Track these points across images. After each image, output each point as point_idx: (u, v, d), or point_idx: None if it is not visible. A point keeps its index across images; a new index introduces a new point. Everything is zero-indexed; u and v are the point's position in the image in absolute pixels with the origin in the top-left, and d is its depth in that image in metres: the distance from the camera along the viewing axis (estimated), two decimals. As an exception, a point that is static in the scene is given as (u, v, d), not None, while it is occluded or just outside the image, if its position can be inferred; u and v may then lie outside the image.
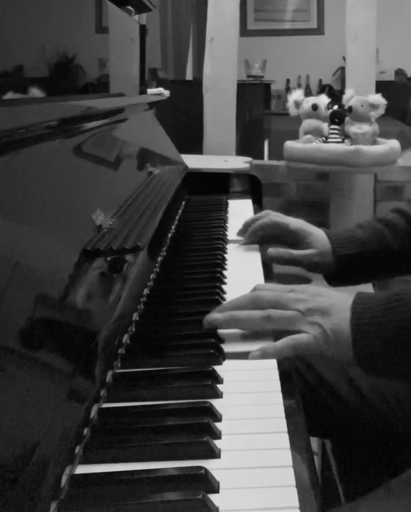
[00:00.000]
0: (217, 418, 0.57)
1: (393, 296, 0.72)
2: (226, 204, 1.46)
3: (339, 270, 1.04)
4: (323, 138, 2.57)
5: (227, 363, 0.69)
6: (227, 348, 0.72)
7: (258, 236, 1.13)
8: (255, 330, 0.75)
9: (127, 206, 0.90)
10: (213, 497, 0.47)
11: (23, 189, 0.62)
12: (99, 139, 0.98)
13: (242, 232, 1.14)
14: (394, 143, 2.60)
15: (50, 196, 0.69)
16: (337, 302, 0.73)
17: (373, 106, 2.53)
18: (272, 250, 1.05)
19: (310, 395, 0.92)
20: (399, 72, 6.10)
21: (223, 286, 0.91)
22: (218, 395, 0.61)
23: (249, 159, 2.60)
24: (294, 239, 1.07)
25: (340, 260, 1.04)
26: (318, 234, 1.06)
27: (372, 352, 0.70)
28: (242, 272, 1.00)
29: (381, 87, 2.92)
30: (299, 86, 6.19)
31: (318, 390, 0.93)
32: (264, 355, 0.70)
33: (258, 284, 0.81)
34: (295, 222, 1.09)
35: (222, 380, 0.65)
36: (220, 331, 0.75)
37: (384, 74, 5.46)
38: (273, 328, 0.74)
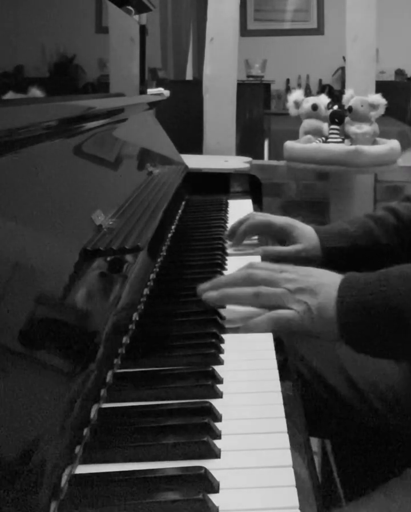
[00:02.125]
0: (217, 417, 0.57)
1: (378, 275, 0.75)
2: (226, 204, 1.46)
3: (326, 264, 1.04)
4: (323, 138, 2.57)
5: (227, 363, 0.69)
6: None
7: (248, 236, 1.13)
8: (245, 305, 0.79)
9: (127, 206, 0.90)
10: (213, 497, 0.47)
11: (23, 189, 0.62)
12: (99, 139, 0.98)
13: (230, 236, 1.14)
14: (394, 143, 2.60)
15: (50, 196, 0.69)
16: (325, 282, 0.76)
17: (373, 106, 2.53)
18: (259, 249, 1.07)
19: (310, 395, 0.92)
20: (399, 72, 6.10)
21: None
22: (218, 395, 0.61)
23: (249, 159, 2.60)
24: (281, 236, 1.09)
25: (328, 253, 1.05)
26: (304, 229, 1.07)
27: (357, 330, 0.72)
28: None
29: (381, 87, 2.91)
30: (299, 85, 6.19)
31: (318, 390, 0.93)
32: (245, 329, 0.75)
33: (252, 262, 0.85)
34: (280, 219, 1.10)
35: (222, 380, 0.65)
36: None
37: (384, 73, 5.47)
38: (262, 304, 0.77)
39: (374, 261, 1.06)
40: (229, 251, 1.13)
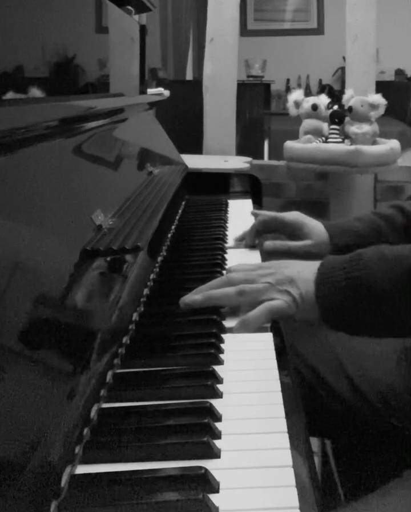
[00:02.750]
0: (217, 417, 0.57)
1: (353, 255, 0.78)
2: (226, 204, 1.46)
3: None
4: (323, 138, 2.57)
5: (227, 363, 0.69)
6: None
7: (259, 233, 1.14)
8: (230, 305, 0.81)
9: (127, 206, 0.90)
10: (213, 497, 0.47)
11: (23, 189, 0.62)
12: (99, 139, 0.98)
13: (241, 239, 1.15)
14: (394, 143, 2.60)
15: (50, 196, 0.69)
16: (302, 270, 0.79)
17: (373, 106, 2.53)
18: (269, 243, 1.07)
19: (310, 395, 0.92)
20: (399, 72, 6.10)
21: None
22: (218, 395, 0.61)
23: (249, 159, 2.60)
24: (291, 231, 1.09)
25: (337, 250, 1.04)
26: (314, 225, 1.07)
27: (334, 308, 0.76)
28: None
29: (381, 87, 2.92)
30: (299, 86, 6.19)
31: (318, 390, 0.93)
32: (244, 325, 0.76)
33: (230, 266, 0.88)
34: (290, 214, 1.10)
35: (222, 380, 0.65)
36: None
37: (384, 73, 5.47)
38: (247, 301, 0.79)
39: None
40: (231, 244, 1.13)
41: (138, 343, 0.72)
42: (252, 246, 1.12)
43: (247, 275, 0.81)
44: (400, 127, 4.26)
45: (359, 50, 2.90)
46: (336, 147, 2.51)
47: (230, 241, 1.17)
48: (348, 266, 0.77)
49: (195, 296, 0.81)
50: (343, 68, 4.46)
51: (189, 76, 5.14)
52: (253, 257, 1.08)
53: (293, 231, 1.09)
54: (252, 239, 1.13)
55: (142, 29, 1.49)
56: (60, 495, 0.46)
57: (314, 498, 0.48)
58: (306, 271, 0.79)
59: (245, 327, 0.76)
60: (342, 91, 2.95)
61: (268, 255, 1.08)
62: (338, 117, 2.55)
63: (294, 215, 1.10)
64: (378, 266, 0.75)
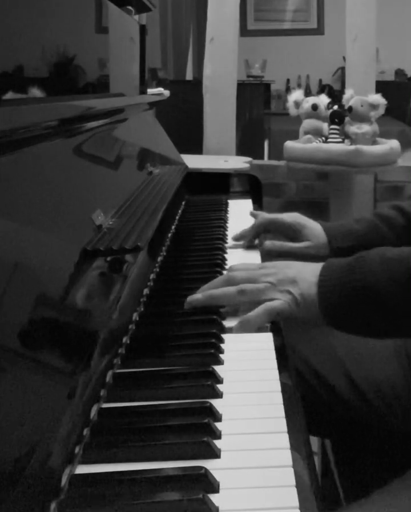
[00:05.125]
0: (217, 417, 0.57)
1: (356, 258, 0.79)
2: (226, 204, 1.46)
3: None
4: (323, 138, 2.57)
5: (227, 363, 0.69)
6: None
7: (257, 234, 1.14)
8: (231, 304, 0.81)
9: (127, 206, 0.90)
10: (213, 497, 0.47)
11: (23, 189, 0.62)
12: (99, 139, 0.98)
13: (239, 240, 1.15)
14: (394, 143, 2.60)
15: (50, 196, 0.69)
16: (304, 271, 0.80)
17: (373, 106, 2.53)
18: (268, 243, 1.08)
19: (310, 395, 0.92)
20: (399, 72, 6.09)
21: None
22: (218, 395, 0.61)
23: (249, 159, 2.60)
24: (290, 233, 1.09)
25: (336, 252, 1.04)
26: (313, 227, 1.07)
27: (336, 309, 0.76)
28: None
29: (381, 87, 2.91)
30: (299, 86, 6.18)
31: (318, 390, 0.93)
32: (243, 325, 0.77)
33: (232, 265, 0.88)
34: (289, 216, 1.11)
35: (222, 380, 0.65)
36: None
37: (384, 73, 5.46)
38: (248, 300, 0.79)
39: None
40: (230, 244, 1.13)
41: (138, 343, 0.72)
42: (251, 246, 1.13)
43: (248, 274, 0.81)
44: (400, 127, 4.26)
45: (359, 50, 2.90)
46: (336, 147, 2.51)
47: (230, 241, 1.17)
48: (350, 268, 0.77)
49: (196, 295, 0.81)
50: (343, 68, 4.46)
51: (189, 76, 5.13)
52: (253, 257, 1.08)
53: (292, 233, 1.09)
54: (251, 239, 1.13)
55: (142, 29, 1.48)
56: (60, 495, 0.46)
57: (314, 498, 0.48)
58: (308, 271, 0.79)
59: (244, 327, 0.77)
60: (342, 91, 2.95)
61: (267, 256, 1.08)
62: (338, 117, 2.54)
63: (293, 217, 1.10)
64: (381, 267, 0.75)
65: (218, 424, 0.56)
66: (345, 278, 0.76)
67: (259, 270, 0.82)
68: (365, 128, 2.54)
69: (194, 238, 1.18)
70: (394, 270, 0.75)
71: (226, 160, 2.52)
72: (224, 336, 0.75)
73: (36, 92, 0.78)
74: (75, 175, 0.81)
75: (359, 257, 0.79)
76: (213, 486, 0.48)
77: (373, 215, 1.09)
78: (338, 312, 0.76)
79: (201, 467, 0.49)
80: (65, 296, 0.60)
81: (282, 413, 0.58)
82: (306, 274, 0.79)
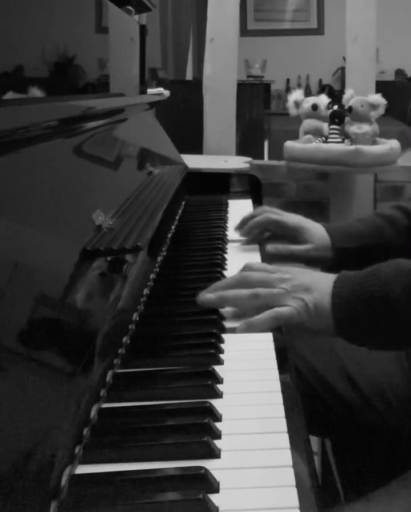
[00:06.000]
0: (217, 417, 0.57)
1: (371, 270, 0.78)
2: (226, 204, 1.46)
3: (337, 264, 1.04)
4: (323, 138, 2.57)
5: (227, 363, 0.69)
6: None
7: (256, 235, 1.14)
8: (244, 307, 0.80)
9: (127, 206, 0.90)
10: (213, 497, 0.47)
11: (23, 189, 0.62)
12: (99, 139, 0.98)
13: (239, 227, 1.15)
14: (394, 143, 2.60)
15: (50, 196, 0.68)
16: (319, 280, 0.79)
17: (373, 106, 2.53)
18: (271, 247, 1.07)
19: (310, 395, 0.92)
20: (399, 72, 6.10)
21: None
22: (218, 395, 0.61)
23: (249, 159, 2.60)
24: (293, 235, 1.09)
25: (339, 254, 1.04)
26: (315, 229, 1.07)
27: (350, 322, 0.75)
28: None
29: (381, 87, 2.91)
30: (299, 86, 6.19)
31: (318, 390, 0.93)
32: (249, 327, 0.76)
33: (247, 263, 0.86)
34: (292, 219, 1.10)
35: (222, 380, 0.65)
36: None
37: (384, 73, 5.46)
38: (261, 304, 0.78)
39: (384, 260, 1.06)
40: (231, 237, 1.13)
41: (138, 343, 0.72)
42: (257, 240, 1.13)
43: (263, 277, 0.80)
44: (400, 127, 4.26)
45: (359, 50, 2.90)
46: (336, 147, 2.51)
47: (230, 233, 1.17)
48: (365, 279, 0.76)
49: (209, 295, 0.80)
50: (343, 68, 4.47)
51: (189, 76, 5.14)
52: (254, 257, 1.08)
53: (295, 235, 1.09)
54: (248, 236, 1.13)
55: (142, 29, 1.48)
56: (60, 495, 0.46)
57: (314, 498, 0.48)
58: (323, 281, 0.78)
59: (249, 331, 0.76)
60: (342, 91, 2.95)
61: (269, 257, 1.07)
62: (338, 117, 2.55)
63: (295, 219, 1.10)
64: (396, 278, 0.75)
65: (218, 424, 0.56)
66: (359, 289, 0.75)
67: (274, 274, 0.80)
68: (365, 128, 2.54)
69: (194, 238, 1.18)
70: (409, 281, 0.74)
71: (226, 160, 2.52)
72: (224, 336, 0.75)
73: (36, 92, 0.78)
74: (75, 175, 0.81)
75: (374, 268, 0.77)
76: (213, 486, 0.48)
77: (375, 215, 1.09)
78: (352, 323, 0.75)
79: (201, 467, 0.49)
80: (65, 296, 0.60)
81: (282, 413, 0.58)
82: (321, 283, 0.78)
